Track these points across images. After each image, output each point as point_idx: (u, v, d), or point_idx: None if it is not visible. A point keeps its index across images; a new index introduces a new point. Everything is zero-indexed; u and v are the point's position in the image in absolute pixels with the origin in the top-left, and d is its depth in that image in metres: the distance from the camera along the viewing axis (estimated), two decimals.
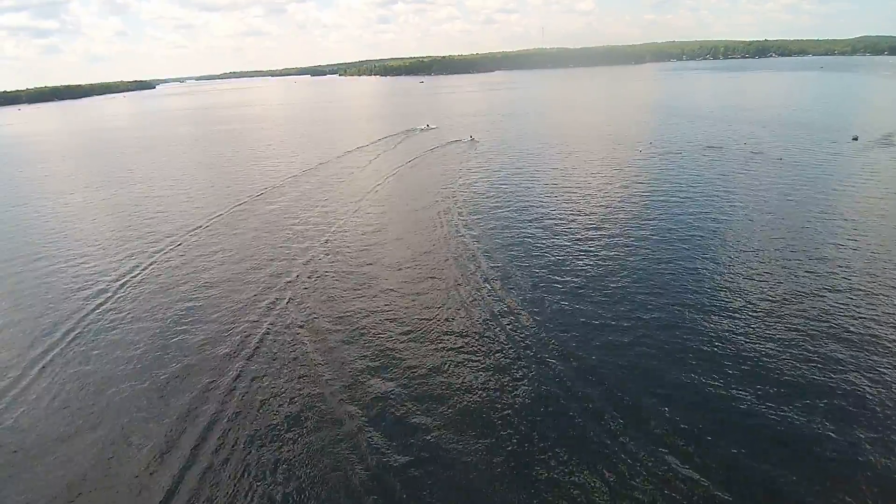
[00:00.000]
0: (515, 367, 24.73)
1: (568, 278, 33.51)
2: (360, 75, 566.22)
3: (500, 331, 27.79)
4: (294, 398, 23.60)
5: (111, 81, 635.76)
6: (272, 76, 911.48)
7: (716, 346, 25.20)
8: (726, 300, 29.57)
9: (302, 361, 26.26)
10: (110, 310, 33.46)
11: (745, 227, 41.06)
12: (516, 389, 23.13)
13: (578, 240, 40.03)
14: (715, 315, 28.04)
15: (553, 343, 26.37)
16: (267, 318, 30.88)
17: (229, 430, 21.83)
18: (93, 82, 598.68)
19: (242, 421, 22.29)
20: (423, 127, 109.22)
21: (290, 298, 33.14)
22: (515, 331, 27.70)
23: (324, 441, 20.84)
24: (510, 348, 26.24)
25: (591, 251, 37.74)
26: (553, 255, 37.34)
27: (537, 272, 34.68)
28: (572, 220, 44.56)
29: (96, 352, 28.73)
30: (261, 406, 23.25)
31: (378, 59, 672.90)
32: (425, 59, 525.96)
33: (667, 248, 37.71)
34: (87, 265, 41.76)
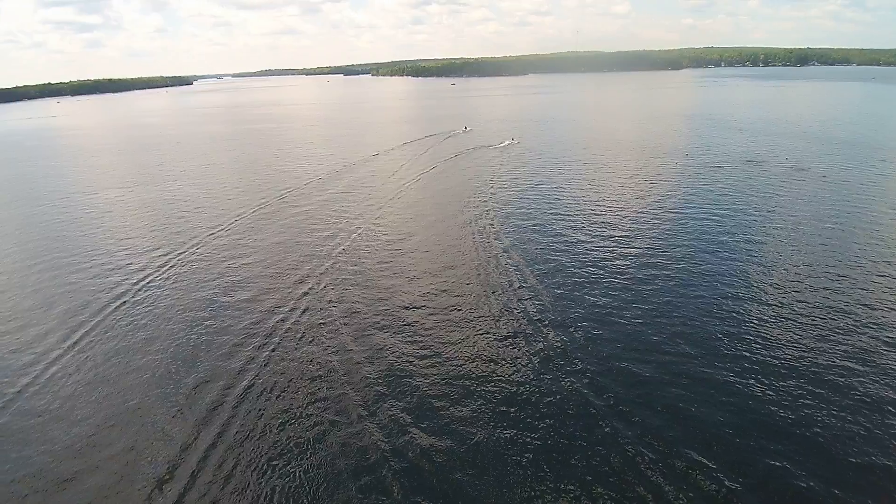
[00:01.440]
0: (543, 393, 23.42)
1: (599, 297, 32.01)
2: (391, 76, 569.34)
3: (528, 352, 26.50)
4: (307, 404, 22.92)
5: (151, 76, 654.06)
6: (306, 74, 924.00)
7: (757, 378, 23.46)
8: (767, 329, 27.65)
9: (315, 370, 25.43)
10: (134, 303, 33.44)
11: (785, 250, 38.83)
12: (542, 419, 21.83)
13: (610, 256, 38.42)
14: (756, 343, 26.25)
15: (582, 364, 25.02)
16: (282, 324, 30.27)
17: (244, 423, 21.59)
18: (133, 77, 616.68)
19: (256, 420, 21.70)
20: (462, 129, 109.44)
21: (305, 308, 32.38)
22: (545, 351, 26.39)
23: (343, 455, 19.95)
24: (539, 371, 24.93)
25: (623, 268, 36.13)
26: (584, 271, 35.84)
27: (569, 288, 33.28)
28: (604, 235, 42.93)
29: (119, 343, 28.93)
30: (273, 407, 22.73)
31: (410, 59, 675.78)
32: (457, 61, 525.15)
33: (702, 268, 35.83)
34: (114, 260, 41.92)
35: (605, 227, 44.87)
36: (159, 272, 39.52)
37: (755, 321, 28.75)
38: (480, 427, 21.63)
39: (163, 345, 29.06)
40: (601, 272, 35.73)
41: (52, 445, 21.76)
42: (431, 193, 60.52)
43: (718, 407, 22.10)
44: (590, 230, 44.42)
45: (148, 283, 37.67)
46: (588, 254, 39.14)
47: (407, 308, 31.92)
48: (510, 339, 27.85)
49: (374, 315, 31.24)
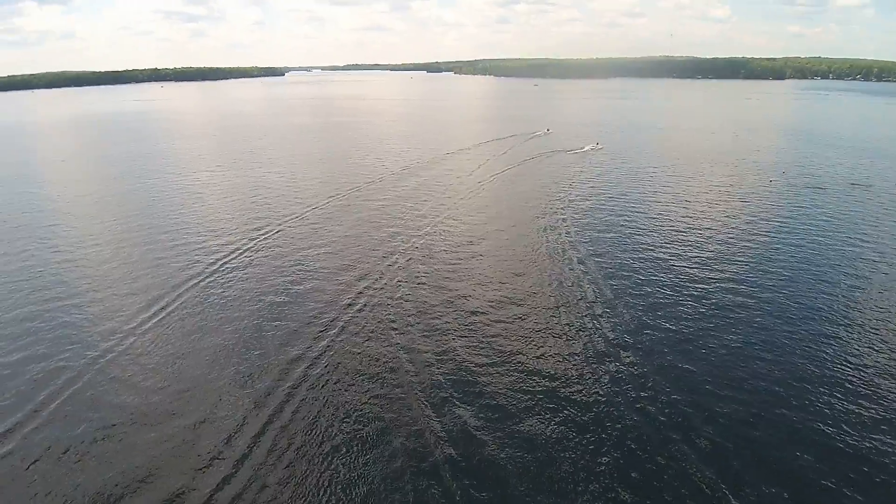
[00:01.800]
0: (610, 418, 22.04)
1: (680, 322, 29.89)
2: (474, 74, 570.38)
3: (599, 373, 25.11)
4: (365, 395, 22.96)
5: (246, 66, 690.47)
6: (390, 70, 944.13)
7: (855, 430, 20.87)
8: (867, 377, 24.62)
9: (375, 365, 25.28)
10: (211, 282, 35.25)
11: (892, 286, 34.84)
12: (607, 446, 20.49)
13: (694, 278, 35.82)
14: (851, 391, 23.45)
15: (655, 392, 23.37)
16: (347, 314, 30.54)
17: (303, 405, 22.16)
18: (231, 66, 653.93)
19: (315, 405, 22.25)
20: (543, 131, 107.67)
21: (370, 302, 32.44)
22: (616, 375, 24.91)
23: (402, 454, 19.67)
24: (609, 396, 23.56)
25: (708, 293, 33.54)
26: (665, 292, 33.66)
27: (646, 311, 31.31)
28: (689, 255, 40.20)
29: (194, 318, 30.77)
30: (332, 396, 22.99)
31: (492, 58, 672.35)
32: (540, 62, 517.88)
33: (797, 301, 32.58)
34: (198, 240, 44.09)
35: (691, 247, 42.10)
36: (236, 255, 41.20)
37: (853, 366, 25.72)
38: (541, 445, 20.65)
39: (233, 324, 30.35)
40: (683, 295, 33.42)
41: (124, 410, 23.08)
42: (507, 196, 59.48)
43: (804, 459, 19.89)
44: (674, 248, 41.85)
45: (225, 264, 39.37)
46: (670, 273, 36.81)
47: (472, 313, 31.23)
48: (579, 357, 26.52)
49: (439, 318, 30.79)
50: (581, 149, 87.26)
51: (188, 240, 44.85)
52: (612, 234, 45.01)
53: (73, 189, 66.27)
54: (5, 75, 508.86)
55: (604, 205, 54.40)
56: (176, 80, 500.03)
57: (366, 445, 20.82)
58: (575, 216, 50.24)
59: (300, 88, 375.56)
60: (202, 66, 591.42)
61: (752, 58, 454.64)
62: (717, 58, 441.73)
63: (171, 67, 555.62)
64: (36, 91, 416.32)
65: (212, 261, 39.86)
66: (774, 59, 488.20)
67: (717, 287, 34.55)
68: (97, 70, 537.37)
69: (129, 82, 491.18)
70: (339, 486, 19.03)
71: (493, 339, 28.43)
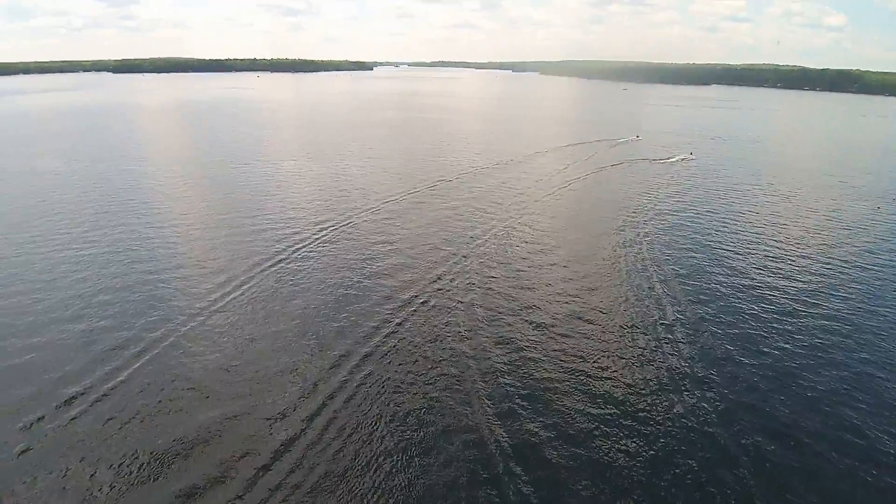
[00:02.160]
0: (685, 456, 20.20)
1: (766, 360, 27.15)
2: (560, 75, 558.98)
3: (673, 405, 23.23)
4: (419, 392, 22.35)
5: (337, 60, 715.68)
6: (476, 68, 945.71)
7: None
8: None
9: (434, 366, 24.66)
10: (283, 270, 36.19)
11: None
12: (681, 490, 18.76)
13: (786, 312, 32.40)
14: None
15: (735, 436, 21.21)
16: (405, 314, 30.20)
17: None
18: (323, 59, 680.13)
19: (372, 393, 21.81)
20: (632, 138, 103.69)
21: (430, 304, 31.89)
22: (694, 409, 22.90)
23: (462, 459, 18.99)
24: (684, 430, 21.68)
25: (800, 330, 30.27)
26: (753, 325, 30.73)
27: (731, 341, 28.77)
28: (782, 286, 36.55)
29: (268, 297, 32.75)
30: (387, 389, 23.20)
31: (581, 59, 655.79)
32: (632, 65, 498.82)
33: None
34: (278, 226, 45.50)
35: (785, 276, 38.36)
36: (312, 242, 42.43)
37: None
38: (604, 472, 19.34)
39: (300, 310, 31.47)
40: (773, 329, 30.44)
41: (191, 381, 24.56)
42: (586, 203, 57.24)
43: None
44: (766, 276, 38.28)
45: (301, 249, 40.74)
46: (761, 303, 33.64)
47: (541, 326, 29.94)
48: (653, 384, 24.68)
49: (505, 326, 29.80)
50: (671, 158, 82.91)
51: (268, 226, 46.46)
52: (698, 254, 41.99)
53: (170, 170, 70.71)
54: (119, 58, 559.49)
55: (692, 221, 50.99)
56: (272, 71, 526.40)
57: (420, 446, 20.58)
58: (658, 231, 47.39)
59: (387, 84, 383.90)
60: (296, 58, 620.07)
61: (868, 71, 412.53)
62: (826, 69, 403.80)
63: (268, 58, 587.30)
64: (145, 75, 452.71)
65: (286, 247, 41.14)
66: (894, 74, 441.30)
67: (811, 323, 31.24)
68: (201, 58, 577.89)
69: (230, 71, 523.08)
70: (387, 482, 19.00)
71: (561, 354, 27.08)
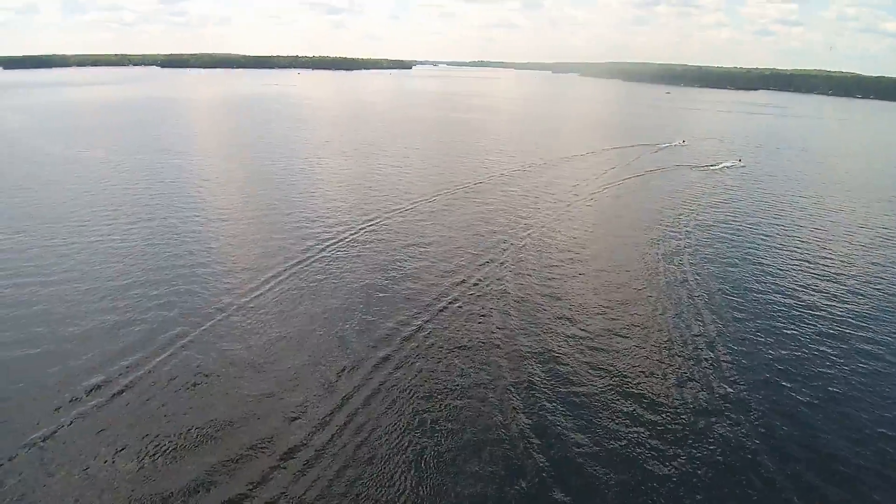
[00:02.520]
0: (723, 487, 18.88)
1: (811, 385, 25.43)
2: (600, 77, 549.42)
3: (713, 432, 21.80)
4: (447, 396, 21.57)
5: (377, 58, 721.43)
6: (514, 68, 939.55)
7: None
8: None
9: (452, 375, 23.87)
10: (319, 264, 37.22)
11: None
12: None
13: (840, 337, 30.18)
14: None
15: (780, 468, 19.73)
16: (431, 321, 29.46)
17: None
18: (363, 57, 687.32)
19: (402, 385, 21.58)
20: (678, 142, 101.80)
21: (456, 309, 31.06)
22: (734, 439, 21.44)
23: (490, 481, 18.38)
24: (725, 461, 20.29)
25: (848, 356, 28.24)
26: (799, 347, 28.86)
27: (776, 363, 27.09)
28: (835, 309, 34.01)
29: (302, 290, 33.82)
30: (415, 387, 23.20)
31: (623, 61, 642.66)
32: (676, 68, 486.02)
33: None
34: (315, 223, 46.10)
35: (838, 299, 35.82)
36: (344, 241, 42.65)
37: None
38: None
39: (332, 303, 32.15)
40: (825, 356, 28.43)
41: (230, 362, 25.69)
42: (626, 210, 55.42)
43: None
44: (818, 298, 35.77)
45: (333, 247, 41.04)
46: (813, 327, 31.52)
47: (566, 340, 28.68)
48: (690, 409, 23.23)
49: (532, 337, 28.81)
50: (717, 165, 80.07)
51: (302, 223, 46.83)
52: (747, 269, 40.04)
53: (214, 164, 72.15)
54: (167, 53, 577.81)
55: (736, 234, 48.71)
56: (313, 69, 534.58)
57: (446, 456, 20.19)
58: (700, 243, 45.39)
59: (426, 82, 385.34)
60: (337, 55, 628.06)
61: None
62: (882, 76, 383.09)
63: (310, 56, 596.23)
64: (191, 70, 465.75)
65: (324, 241, 42.22)
66: None
67: (860, 348, 29.12)
68: (245, 54, 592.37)
69: (273, 67, 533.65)
70: (413, 469, 19.44)
71: (593, 373, 25.92)
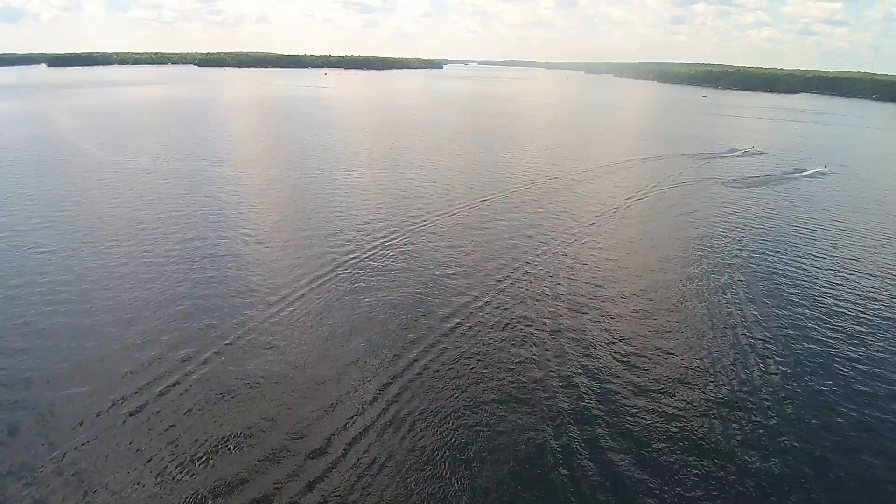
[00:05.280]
0: None
1: (875, 440, 24.41)
2: (636, 78, 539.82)
3: (764, 458, 21.15)
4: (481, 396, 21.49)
5: (408, 57, 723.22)
6: (547, 68, 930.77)
7: None
8: None
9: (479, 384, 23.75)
10: (355, 270, 39.06)
11: None
12: None
13: None
14: None
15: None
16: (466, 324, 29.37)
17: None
18: (395, 56, 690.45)
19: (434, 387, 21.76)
20: (749, 147, 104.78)
21: (477, 325, 31.12)
22: (777, 465, 20.76)
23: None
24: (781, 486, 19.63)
25: None
26: (868, 386, 27.73)
27: (838, 405, 26.04)
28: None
29: (342, 294, 35.78)
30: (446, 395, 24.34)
31: (659, 62, 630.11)
32: (714, 69, 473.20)
33: None
34: (348, 232, 46.87)
35: None
36: (380, 247, 44.22)
37: None
38: None
39: (371, 304, 34.02)
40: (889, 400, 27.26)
41: (264, 367, 27.27)
42: (665, 226, 54.05)
43: None
44: (879, 326, 34.27)
45: (370, 254, 42.71)
46: (881, 367, 29.98)
47: (597, 372, 27.98)
48: (737, 444, 22.61)
49: (578, 355, 28.37)
50: (823, 167, 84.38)
51: (341, 230, 48.23)
52: (803, 292, 38.88)
53: (251, 170, 73.66)
54: (204, 52, 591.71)
55: (790, 251, 47.31)
56: (345, 68, 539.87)
57: (488, 464, 20.95)
58: (759, 257, 45.32)
59: (458, 84, 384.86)
60: (368, 55, 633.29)
61: None
62: None
63: (342, 55, 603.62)
64: (227, 69, 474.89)
65: (361, 243, 44.64)
66: None
67: None
68: (280, 53, 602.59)
69: (306, 66, 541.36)
70: (444, 472, 20.73)
71: (632, 408, 25.38)
